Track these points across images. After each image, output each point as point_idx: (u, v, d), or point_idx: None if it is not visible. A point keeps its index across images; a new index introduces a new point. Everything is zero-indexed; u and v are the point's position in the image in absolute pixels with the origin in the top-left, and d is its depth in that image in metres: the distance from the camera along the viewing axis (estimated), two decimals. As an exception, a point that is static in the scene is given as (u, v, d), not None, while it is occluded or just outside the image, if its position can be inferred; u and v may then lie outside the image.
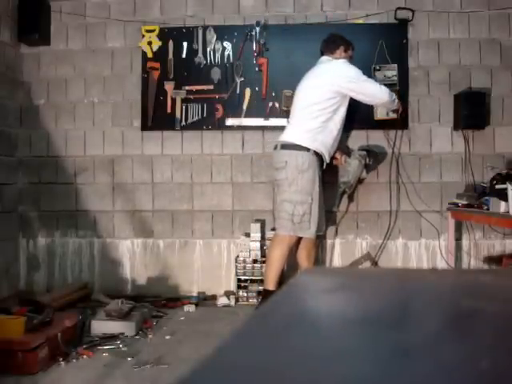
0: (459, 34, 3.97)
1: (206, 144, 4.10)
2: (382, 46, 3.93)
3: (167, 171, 4.13)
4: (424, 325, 0.55)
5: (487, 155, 3.92)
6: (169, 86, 4.06)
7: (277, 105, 3.99)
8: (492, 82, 3.95)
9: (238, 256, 3.88)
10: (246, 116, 4.02)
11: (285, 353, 0.46)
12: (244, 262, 3.83)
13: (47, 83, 4.20)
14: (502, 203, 3.04)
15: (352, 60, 3.48)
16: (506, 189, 2.99)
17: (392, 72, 3.92)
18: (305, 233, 3.33)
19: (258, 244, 3.84)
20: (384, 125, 3.94)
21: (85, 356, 2.64)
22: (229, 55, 4.03)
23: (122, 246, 4.13)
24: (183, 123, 4.06)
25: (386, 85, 3.54)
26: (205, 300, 3.93)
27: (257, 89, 4.00)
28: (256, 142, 4.07)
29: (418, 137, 3.99)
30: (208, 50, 4.04)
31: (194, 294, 3.99)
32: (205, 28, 4.05)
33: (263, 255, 3.80)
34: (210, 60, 4.04)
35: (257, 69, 4.01)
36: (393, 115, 3.78)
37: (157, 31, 4.08)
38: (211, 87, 4.03)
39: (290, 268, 3.68)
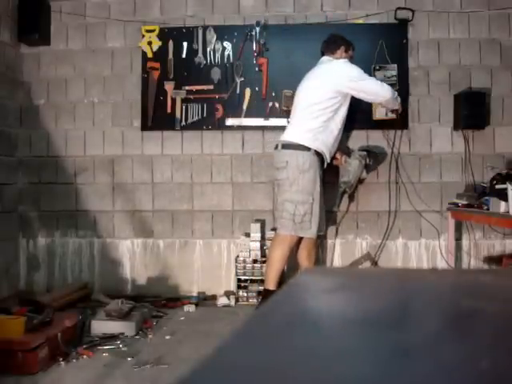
0: (459, 34, 3.97)
1: (205, 144, 4.10)
2: (382, 46, 3.93)
3: (167, 171, 4.13)
4: (424, 325, 0.55)
5: (487, 155, 3.92)
6: (169, 86, 4.06)
7: (277, 105, 3.99)
8: (492, 82, 3.95)
9: (238, 256, 3.88)
10: (246, 116, 4.02)
11: (285, 353, 0.46)
12: (244, 261, 3.83)
13: (47, 83, 4.20)
14: (502, 203, 3.04)
15: (352, 60, 3.48)
16: (506, 189, 2.99)
17: (392, 72, 3.92)
18: (306, 233, 3.33)
19: (258, 244, 3.84)
20: (384, 125, 3.94)
21: (85, 356, 2.64)
22: (229, 55, 4.03)
23: (122, 246, 4.13)
24: (183, 123, 4.06)
25: (385, 85, 3.54)
26: (205, 300, 3.93)
27: (257, 89, 4.01)
28: (256, 141, 4.07)
29: (418, 137, 3.99)
30: (208, 50, 4.04)
31: (194, 294, 3.99)
32: (205, 28, 4.05)
33: (263, 255, 3.80)
34: (210, 60, 4.04)
35: (257, 69, 4.01)
36: (392, 115, 3.78)
37: (157, 31, 4.08)
38: (211, 87, 4.03)
39: (290, 268, 3.68)
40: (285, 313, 0.59)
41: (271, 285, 3.30)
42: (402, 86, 3.90)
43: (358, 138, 3.99)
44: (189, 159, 4.11)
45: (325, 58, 3.48)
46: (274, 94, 3.99)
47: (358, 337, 0.51)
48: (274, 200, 3.75)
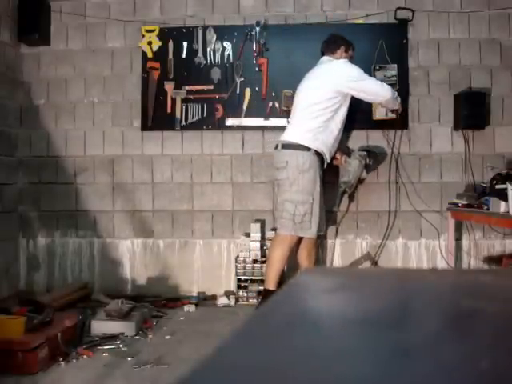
0: (459, 34, 3.97)
1: (205, 144, 4.10)
2: (382, 46, 3.93)
3: (167, 171, 4.13)
4: (424, 325, 0.55)
5: (487, 155, 3.92)
6: (169, 86, 4.06)
7: (277, 105, 3.99)
8: (492, 82, 3.95)
9: (238, 256, 3.88)
10: (246, 116, 4.02)
11: (285, 353, 0.46)
12: (244, 262, 3.83)
13: (47, 83, 4.20)
14: (502, 203, 3.04)
15: (352, 60, 3.48)
16: (506, 189, 2.99)
17: (392, 72, 3.92)
18: (306, 233, 3.33)
19: (257, 244, 3.84)
20: (384, 125, 3.94)
21: (85, 356, 2.64)
22: (229, 55, 4.03)
23: (122, 246, 4.13)
24: (183, 123, 4.06)
25: (385, 85, 3.54)
26: (205, 300, 3.93)
27: (257, 89, 4.00)
28: (256, 142, 4.07)
29: (418, 137, 3.99)
30: (208, 50, 4.04)
31: (194, 294, 3.99)
32: (205, 28, 4.05)
33: (263, 255, 3.80)
34: (210, 60, 4.04)
35: (257, 69, 4.01)
36: (392, 115, 3.78)
37: (157, 31, 4.08)
38: (211, 87, 4.03)
39: (290, 268, 3.68)
40: (285, 313, 0.59)
41: (271, 285, 3.30)
42: (402, 86, 3.90)
43: (358, 138, 3.99)
44: (189, 159, 4.11)
45: (325, 58, 3.48)
46: (273, 94, 3.99)
47: (358, 337, 0.51)
48: (274, 200, 3.75)
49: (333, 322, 0.57)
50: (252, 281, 3.81)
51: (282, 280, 3.37)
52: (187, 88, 4.04)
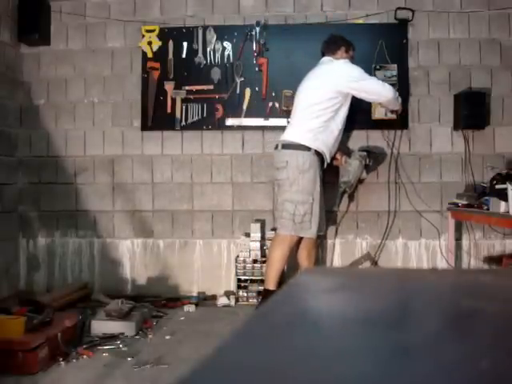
0: (459, 34, 3.97)
1: (205, 144, 4.10)
2: (382, 46, 3.93)
3: (167, 171, 4.13)
4: (424, 325, 0.55)
5: (487, 155, 3.92)
6: (169, 86, 4.06)
7: (277, 105, 3.99)
8: (492, 82, 3.95)
9: (238, 256, 3.88)
10: (246, 116, 4.02)
11: (285, 352, 0.46)
12: (244, 262, 3.83)
13: (47, 83, 4.20)
14: (502, 203, 3.04)
15: (353, 60, 3.48)
16: (506, 189, 2.99)
17: (392, 72, 3.91)
18: (306, 233, 3.33)
19: (257, 244, 3.84)
20: (383, 125, 3.94)
21: (85, 356, 2.64)
22: (229, 55, 4.03)
23: (122, 246, 4.13)
24: (183, 123, 4.06)
25: (385, 85, 3.54)
26: (205, 300, 3.93)
27: (257, 89, 4.00)
28: (256, 142, 4.07)
29: (418, 137, 3.99)
30: (208, 50, 4.04)
31: (194, 294, 3.99)
32: (205, 28, 4.05)
33: (263, 255, 3.80)
34: (210, 60, 4.04)
35: (257, 69, 4.01)
36: (391, 115, 3.78)
37: (157, 31, 4.08)
38: (211, 87, 4.03)
39: (290, 268, 3.68)
40: (285, 313, 0.59)
41: (271, 285, 3.30)
42: (402, 86, 3.89)
43: (358, 138, 3.99)
44: (189, 159, 4.11)
45: (325, 58, 3.48)
46: (273, 94, 3.99)
47: (358, 337, 0.51)
48: (274, 200, 3.75)
49: (333, 321, 0.57)
50: (252, 281, 3.81)
51: (282, 280, 3.37)
52: (187, 88, 4.04)
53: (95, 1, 4.16)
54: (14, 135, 4.13)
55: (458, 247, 3.95)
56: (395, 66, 3.92)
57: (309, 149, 3.29)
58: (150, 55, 4.08)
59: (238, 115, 4.02)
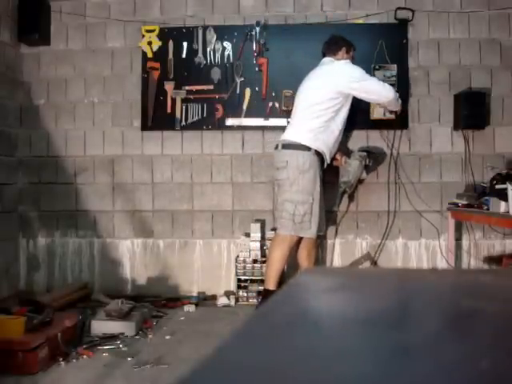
0: (459, 34, 3.97)
1: (205, 144, 4.10)
2: (382, 46, 3.93)
3: (167, 171, 4.13)
4: (424, 325, 0.55)
5: (487, 155, 3.92)
6: (169, 86, 4.06)
7: (277, 105, 3.99)
8: (492, 82, 3.95)
9: (238, 256, 3.88)
10: (246, 116, 4.02)
11: (285, 353, 0.46)
12: (244, 262, 3.83)
13: (47, 83, 4.20)
14: (502, 203, 3.04)
15: (353, 61, 3.48)
16: (506, 189, 2.99)
17: (391, 72, 3.91)
18: (306, 233, 3.33)
19: (257, 244, 3.84)
20: (383, 125, 3.94)
21: (85, 356, 2.64)
22: (229, 55, 4.03)
23: (122, 246, 4.13)
24: (183, 123, 4.06)
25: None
26: (205, 300, 3.93)
27: (257, 89, 4.00)
28: (256, 142, 4.07)
29: (418, 137, 3.99)
30: (208, 50, 4.04)
31: (194, 294, 3.99)
32: (205, 28, 4.05)
33: (263, 255, 3.80)
34: (210, 60, 4.04)
35: (257, 69, 4.01)
36: (390, 115, 3.78)
37: (157, 31, 4.08)
38: (211, 87, 4.03)
39: (290, 268, 3.68)
40: (285, 313, 0.59)
41: (271, 285, 3.30)
42: (402, 86, 3.89)
43: (358, 139, 3.99)
44: (189, 159, 4.11)
45: (326, 58, 3.48)
46: (273, 94, 3.99)
47: (358, 337, 0.51)
48: (274, 200, 3.75)
49: (333, 321, 0.57)
50: (252, 281, 3.81)
51: (282, 280, 3.37)
52: (187, 88, 4.04)
53: (95, 1, 4.16)
54: (14, 135, 4.13)
55: (458, 247, 3.95)
56: (395, 66, 3.92)
57: (309, 149, 3.29)
58: (149, 55, 4.08)
59: (238, 115, 4.02)
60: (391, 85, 3.59)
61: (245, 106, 4.02)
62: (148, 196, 4.12)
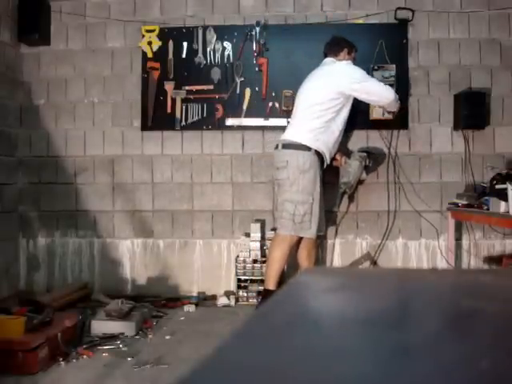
0: (459, 34, 3.97)
1: (206, 144, 4.10)
2: (382, 46, 3.93)
3: (167, 171, 4.13)
4: (424, 325, 0.55)
5: (487, 155, 3.92)
6: (169, 86, 4.06)
7: (277, 105, 3.98)
8: (492, 82, 3.95)
9: (238, 256, 3.88)
10: (246, 116, 4.02)
11: (285, 352, 0.46)
12: (244, 262, 3.83)
13: (47, 83, 4.20)
14: (502, 203, 3.03)
15: (354, 61, 3.48)
16: (506, 189, 2.99)
17: (390, 72, 3.90)
18: (306, 233, 3.33)
19: (257, 244, 3.84)
20: (382, 125, 3.93)
21: (85, 356, 2.64)
22: (229, 55, 4.03)
23: (122, 246, 4.13)
24: (183, 123, 4.06)
25: (385, 85, 3.54)
26: (205, 300, 3.93)
27: (257, 89, 4.00)
28: (256, 142, 4.07)
29: (418, 137, 3.99)
30: (208, 50, 4.04)
31: (194, 294, 3.99)
32: (205, 28, 4.05)
33: (263, 255, 3.80)
34: (210, 60, 4.04)
35: (257, 69, 4.01)
36: (388, 115, 3.78)
37: (157, 31, 4.08)
38: (211, 87, 4.03)
39: (290, 268, 3.68)
40: (285, 312, 0.59)
41: (271, 285, 3.30)
42: (401, 86, 3.89)
43: (358, 139, 3.99)
44: (189, 159, 4.11)
45: (328, 59, 3.48)
46: (273, 94, 3.99)
47: (358, 336, 0.51)
48: (274, 200, 3.75)
49: (333, 321, 0.57)
50: (252, 281, 3.81)
51: (282, 280, 3.37)
52: (187, 88, 4.04)
53: (95, 1, 4.16)
54: (14, 135, 4.13)
55: (458, 247, 3.95)
56: (393, 66, 3.91)
57: (309, 149, 3.29)
58: (150, 55, 4.08)
59: (238, 115, 4.02)
60: (389, 85, 3.59)
61: (245, 106, 4.02)
62: (148, 196, 4.12)
